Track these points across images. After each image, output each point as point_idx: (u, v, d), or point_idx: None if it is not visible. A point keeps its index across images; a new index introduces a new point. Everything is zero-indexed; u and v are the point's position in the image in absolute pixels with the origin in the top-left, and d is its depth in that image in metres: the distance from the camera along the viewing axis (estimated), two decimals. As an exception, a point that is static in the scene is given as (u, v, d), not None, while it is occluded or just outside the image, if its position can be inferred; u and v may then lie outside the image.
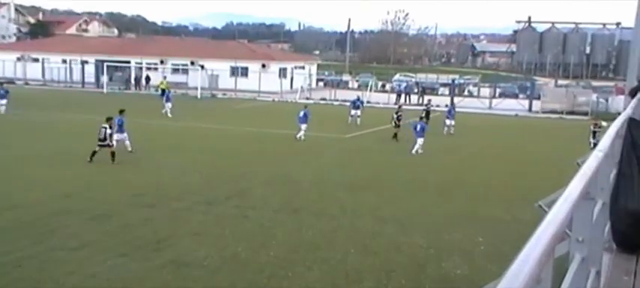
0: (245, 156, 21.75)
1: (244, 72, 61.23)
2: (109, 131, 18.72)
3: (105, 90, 54.62)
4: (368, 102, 45.12)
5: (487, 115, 45.95)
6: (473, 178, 19.91)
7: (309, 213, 14.73)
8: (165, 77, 56.68)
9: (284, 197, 16.15)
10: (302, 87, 56.49)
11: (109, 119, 19.42)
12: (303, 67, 65.90)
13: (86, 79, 61.77)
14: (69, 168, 18.15)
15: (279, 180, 18.03)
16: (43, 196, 14.70)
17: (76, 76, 63.60)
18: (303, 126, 26.79)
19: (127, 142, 21.54)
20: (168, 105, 36.17)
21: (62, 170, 17.80)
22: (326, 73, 76.67)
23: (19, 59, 67.98)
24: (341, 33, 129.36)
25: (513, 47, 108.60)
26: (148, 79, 60.92)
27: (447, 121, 32.44)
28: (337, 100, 50.39)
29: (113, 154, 18.96)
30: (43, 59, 67.48)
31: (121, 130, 21.30)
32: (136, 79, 61.39)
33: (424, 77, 71.50)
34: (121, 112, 20.92)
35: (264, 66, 60.32)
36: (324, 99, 50.60)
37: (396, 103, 43.01)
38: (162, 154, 21.62)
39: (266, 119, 34.72)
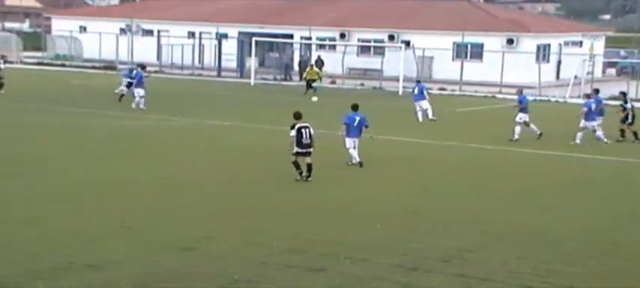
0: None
1: (476, 52, 54.50)
2: (312, 131, 17.70)
3: (252, 81, 47.15)
4: None
5: None
6: None
7: None
8: (318, 62, 50.99)
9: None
10: (577, 77, 46.07)
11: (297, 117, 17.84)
12: (580, 43, 58.04)
13: (224, 63, 55.79)
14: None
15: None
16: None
17: (208, 59, 58.97)
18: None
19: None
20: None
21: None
22: (621, 52, 67.11)
23: (123, 31, 63.68)
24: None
25: None
26: (320, 63, 52.88)
27: None
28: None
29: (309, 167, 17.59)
30: (158, 32, 63.75)
31: None
32: (301, 64, 53.85)
33: None
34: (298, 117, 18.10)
35: (511, 42, 53.04)
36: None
37: None
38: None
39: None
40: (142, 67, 33.24)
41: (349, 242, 12.40)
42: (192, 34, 61.65)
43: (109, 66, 55.62)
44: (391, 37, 56.18)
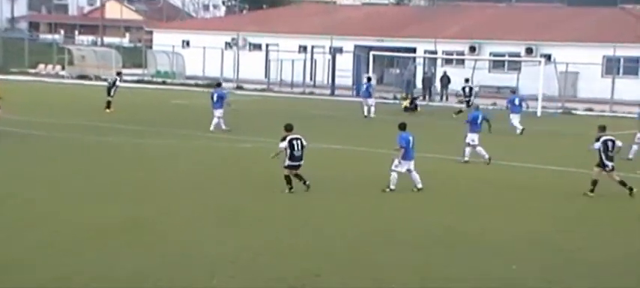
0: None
1: (631, 67, 54.46)
2: (304, 143, 19.13)
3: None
4: None
5: None
6: None
7: None
8: (443, 79, 53.04)
9: None
10: None
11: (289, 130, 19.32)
12: None
13: (338, 80, 56.65)
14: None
15: None
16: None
17: (320, 76, 60.56)
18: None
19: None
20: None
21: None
22: None
23: (229, 45, 65.69)
24: None
25: None
26: (446, 80, 54.00)
27: None
28: None
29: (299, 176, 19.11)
30: (267, 46, 65.92)
31: None
32: (424, 81, 54.39)
33: None
34: (289, 129, 19.49)
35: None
36: None
37: None
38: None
39: None
40: (218, 85, 33.58)
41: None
42: (303, 49, 62.68)
43: (213, 84, 56.17)
44: (529, 51, 55.96)
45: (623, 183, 20.01)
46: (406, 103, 44.31)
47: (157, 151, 26.14)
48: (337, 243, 14.59)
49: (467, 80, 44.80)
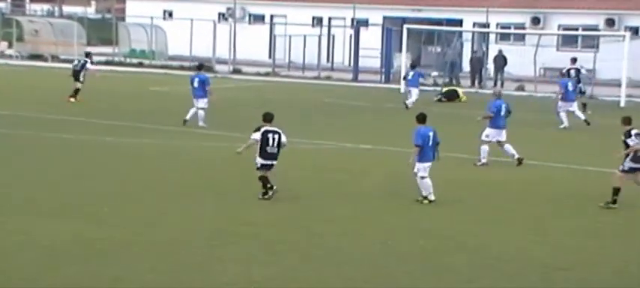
0: None
1: None
2: (283, 139, 20.09)
3: (402, 87, 45.99)
4: None
5: None
6: None
7: None
8: (498, 59, 54.08)
9: None
10: None
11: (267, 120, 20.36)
12: None
13: (363, 62, 57.37)
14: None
15: None
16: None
17: (340, 56, 62.50)
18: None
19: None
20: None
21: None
22: None
23: (223, 17, 67.05)
24: None
25: None
26: (501, 61, 54.56)
27: None
28: None
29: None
30: (271, 17, 67.52)
31: None
32: (472, 61, 55.75)
33: None
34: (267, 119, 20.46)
35: None
36: None
37: None
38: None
39: None
40: (200, 67, 34.58)
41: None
42: (318, 21, 63.74)
43: (203, 66, 56.58)
44: (610, 22, 56.71)
45: None
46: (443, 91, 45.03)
47: (130, 151, 26.66)
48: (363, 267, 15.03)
49: (574, 60, 44.73)
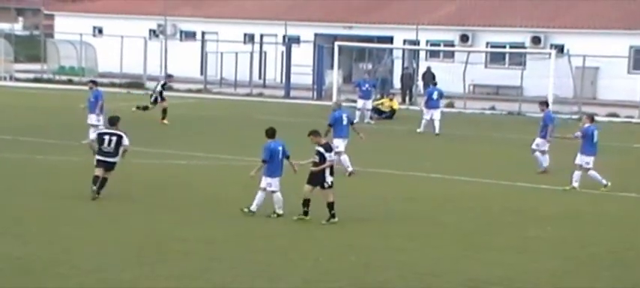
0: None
1: None
2: (125, 142, 21.66)
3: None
4: None
5: None
6: None
7: None
8: (426, 75, 52.83)
9: None
10: None
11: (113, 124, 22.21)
12: None
13: (295, 79, 57.79)
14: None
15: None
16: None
17: (272, 73, 63.15)
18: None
19: None
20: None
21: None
22: None
23: (154, 34, 66.66)
24: None
25: None
26: (430, 77, 52.85)
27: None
28: None
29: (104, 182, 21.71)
30: (203, 34, 67.63)
31: None
32: (403, 78, 56.05)
33: None
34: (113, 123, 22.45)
35: None
36: None
37: None
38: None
39: None
40: (93, 83, 35.53)
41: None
42: (250, 38, 64.08)
43: (135, 83, 56.80)
44: (536, 40, 57.23)
45: None
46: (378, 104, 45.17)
47: (58, 168, 26.62)
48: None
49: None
